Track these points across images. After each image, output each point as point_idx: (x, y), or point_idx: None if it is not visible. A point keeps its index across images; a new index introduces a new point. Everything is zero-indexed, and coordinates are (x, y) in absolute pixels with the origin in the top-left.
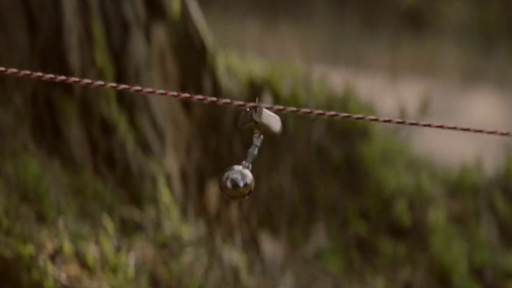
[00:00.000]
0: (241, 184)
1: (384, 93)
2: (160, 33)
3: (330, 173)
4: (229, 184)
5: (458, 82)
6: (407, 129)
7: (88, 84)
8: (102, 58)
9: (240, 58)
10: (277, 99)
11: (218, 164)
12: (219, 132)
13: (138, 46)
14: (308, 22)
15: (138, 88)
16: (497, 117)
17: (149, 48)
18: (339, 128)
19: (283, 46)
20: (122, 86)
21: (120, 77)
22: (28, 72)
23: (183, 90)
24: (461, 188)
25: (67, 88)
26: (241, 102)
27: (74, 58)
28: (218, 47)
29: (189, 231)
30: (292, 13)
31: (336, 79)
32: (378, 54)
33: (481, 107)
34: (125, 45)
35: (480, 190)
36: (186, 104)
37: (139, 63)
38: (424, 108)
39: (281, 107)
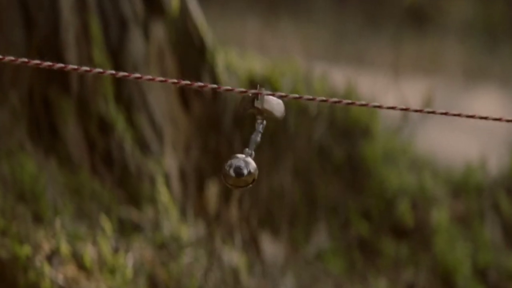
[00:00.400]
0: (245, 172)
1: (386, 91)
2: (158, 31)
3: (331, 172)
4: (232, 173)
5: (462, 80)
6: (410, 128)
7: (86, 71)
8: (99, 55)
9: (240, 55)
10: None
11: (218, 163)
12: (219, 131)
13: (136, 44)
14: (308, 19)
15: (137, 75)
16: (500, 115)
17: (148, 45)
18: (340, 127)
19: (283, 43)
20: (121, 74)
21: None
22: (25, 59)
23: (182, 88)
24: (465, 188)
25: (64, 86)
26: (243, 89)
27: (72, 55)
28: (218, 45)
29: (188, 231)
30: (292, 10)
31: (338, 77)
32: (380, 51)
33: (485, 105)
34: (123, 43)
35: (484, 190)
36: (185, 103)
37: (138, 61)
38: (426, 106)
39: (283, 93)
